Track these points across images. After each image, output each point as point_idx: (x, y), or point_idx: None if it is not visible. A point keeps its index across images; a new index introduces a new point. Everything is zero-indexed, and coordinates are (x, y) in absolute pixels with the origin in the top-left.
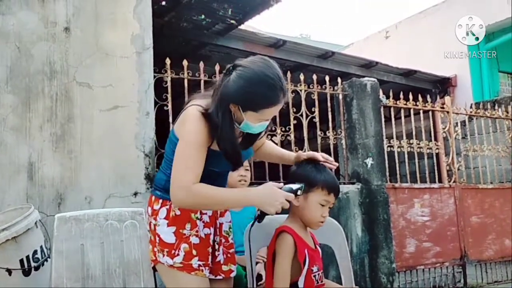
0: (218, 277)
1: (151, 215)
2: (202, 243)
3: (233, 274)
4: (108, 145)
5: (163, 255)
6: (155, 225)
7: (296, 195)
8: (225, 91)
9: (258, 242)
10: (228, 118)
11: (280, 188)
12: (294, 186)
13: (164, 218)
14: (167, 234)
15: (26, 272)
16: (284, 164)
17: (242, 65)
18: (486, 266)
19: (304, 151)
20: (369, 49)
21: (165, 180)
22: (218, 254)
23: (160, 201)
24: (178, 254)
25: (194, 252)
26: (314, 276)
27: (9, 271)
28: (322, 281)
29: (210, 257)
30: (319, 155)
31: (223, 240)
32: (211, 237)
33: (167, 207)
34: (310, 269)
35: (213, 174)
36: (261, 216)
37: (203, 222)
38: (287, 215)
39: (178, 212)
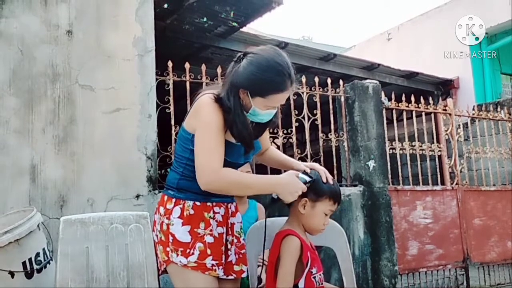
0: (230, 277)
1: (163, 215)
2: (216, 242)
3: (244, 275)
4: (110, 147)
5: (177, 255)
6: (168, 224)
7: (307, 185)
8: (235, 77)
9: (259, 244)
10: (238, 102)
11: (297, 177)
12: (308, 179)
13: (178, 217)
14: (182, 233)
15: (29, 275)
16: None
17: (252, 52)
18: (489, 269)
19: (306, 154)
20: (371, 51)
21: (177, 179)
22: (230, 254)
23: (173, 200)
24: (193, 253)
25: (208, 251)
26: (314, 277)
27: (12, 274)
28: (322, 283)
29: (224, 257)
30: (322, 170)
31: (235, 240)
32: (224, 236)
33: (181, 206)
34: (309, 271)
35: (226, 165)
36: (277, 199)
37: (216, 221)
38: (286, 218)
39: (192, 211)
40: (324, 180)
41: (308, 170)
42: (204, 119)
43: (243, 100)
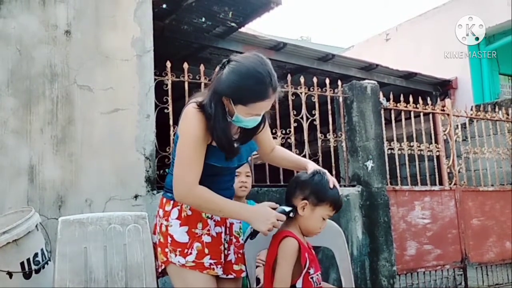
0: (230, 276)
1: (162, 217)
2: (214, 241)
3: (243, 274)
4: (109, 147)
5: (175, 255)
6: (167, 226)
7: (288, 216)
8: (218, 84)
9: (257, 245)
10: (220, 109)
11: (274, 209)
12: (287, 208)
13: (176, 219)
14: (180, 233)
15: (27, 275)
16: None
17: (235, 60)
18: (487, 269)
19: (304, 154)
20: (370, 52)
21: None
22: (229, 253)
23: (172, 202)
24: (190, 253)
25: (206, 250)
26: (312, 278)
27: (10, 274)
28: (320, 283)
29: (223, 256)
30: (329, 175)
31: (234, 240)
32: (223, 235)
33: (179, 207)
34: (307, 271)
35: (218, 170)
36: (253, 233)
37: (214, 221)
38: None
39: (189, 212)
40: (331, 186)
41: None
42: (184, 130)
43: (227, 106)
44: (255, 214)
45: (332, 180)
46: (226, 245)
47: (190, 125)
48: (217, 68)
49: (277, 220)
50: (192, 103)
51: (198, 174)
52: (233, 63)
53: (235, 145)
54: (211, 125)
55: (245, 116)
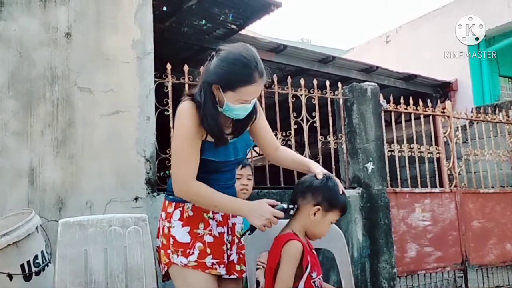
0: (232, 276)
1: (165, 219)
2: (216, 241)
3: (245, 275)
4: (109, 149)
5: (178, 256)
6: (169, 227)
7: (288, 213)
8: (207, 73)
9: (257, 246)
10: (210, 97)
11: (274, 206)
12: (287, 206)
13: (179, 220)
14: (182, 234)
15: (27, 277)
16: (284, 169)
17: (222, 49)
18: (488, 271)
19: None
20: (370, 54)
21: None
22: (231, 254)
23: (173, 204)
24: (192, 253)
25: (208, 250)
26: (314, 282)
27: (10, 276)
28: (321, 287)
29: (225, 255)
30: (340, 185)
31: (236, 240)
32: (225, 236)
33: (180, 209)
34: (310, 275)
35: (216, 167)
36: (251, 229)
37: (216, 221)
38: (286, 220)
39: (191, 213)
40: (341, 192)
41: (319, 175)
42: (178, 127)
43: (217, 96)
44: (251, 209)
45: (341, 185)
46: (229, 245)
47: (184, 121)
48: (207, 61)
49: (274, 216)
50: (185, 100)
51: (195, 169)
52: (220, 52)
53: (229, 138)
54: (202, 114)
55: (235, 103)
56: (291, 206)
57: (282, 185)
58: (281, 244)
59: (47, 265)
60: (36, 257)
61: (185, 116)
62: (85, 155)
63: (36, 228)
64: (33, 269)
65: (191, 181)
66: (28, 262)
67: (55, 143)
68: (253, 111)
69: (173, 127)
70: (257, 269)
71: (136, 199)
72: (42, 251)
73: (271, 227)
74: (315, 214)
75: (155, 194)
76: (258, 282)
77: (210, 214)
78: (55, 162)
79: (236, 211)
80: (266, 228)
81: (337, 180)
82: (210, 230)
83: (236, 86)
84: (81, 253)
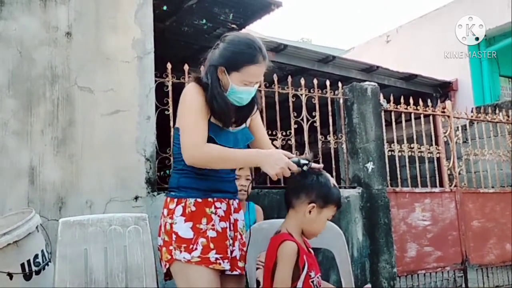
0: (235, 272)
1: (167, 215)
2: (219, 236)
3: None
4: (109, 149)
5: (180, 252)
6: (171, 224)
7: (302, 168)
8: (212, 57)
9: (257, 246)
10: (216, 78)
11: (289, 158)
12: (302, 161)
13: (181, 215)
14: (185, 229)
15: (27, 277)
16: None
17: (228, 34)
18: (488, 271)
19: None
20: (370, 53)
21: (178, 178)
22: (234, 249)
23: (175, 200)
24: (196, 249)
25: (211, 245)
26: (312, 281)
27: (10, 275)
28: (320, 286)
29: (229, 251)
30: (330, 178)
31: (238, 236)
32: (228, 231)
33: (183, 204)
34: (308, 274)
35: None
36: (260, 175)
37: (219, 216)
38: (282, 220)
39: (193, 208)
40: (332, 185)
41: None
42: (185, 103)
43: (222, 80)
44: (267, 156)
45: (332, 179)
46: (231, 241)
47: (193, 95)
48: (212, 48)
49: (288, 168)
50: (190, 83)
51: (204, 136)
52: (226, 37)
53: (232, 127)
54: (209, 94)
55: (239, 85)
56: (305, 161)
57: (282, 185)
58: (277, 245)
59: (47, 264)
60: (36, 256)
61: (193, 92)
62: (85, 154)
63: (36, 227)
64: (33, 268)
65: (202, 144)
66: (28, 261)
67: (55, 143)
68: (255, 101)
69: (173, 127)
70: (257, 268)
71: (136, 198)
72: (42, 250)
73: (282, 177)
74: (310, 212)
75: (155, 193)
76: (258, 282)
77: (213, 209)
78: (55, 161)
79: (253, 160)
80: (276, 177)
81: (327, 174)
82: (213, 225)
83: (241, 66)
84: (81, 252)
